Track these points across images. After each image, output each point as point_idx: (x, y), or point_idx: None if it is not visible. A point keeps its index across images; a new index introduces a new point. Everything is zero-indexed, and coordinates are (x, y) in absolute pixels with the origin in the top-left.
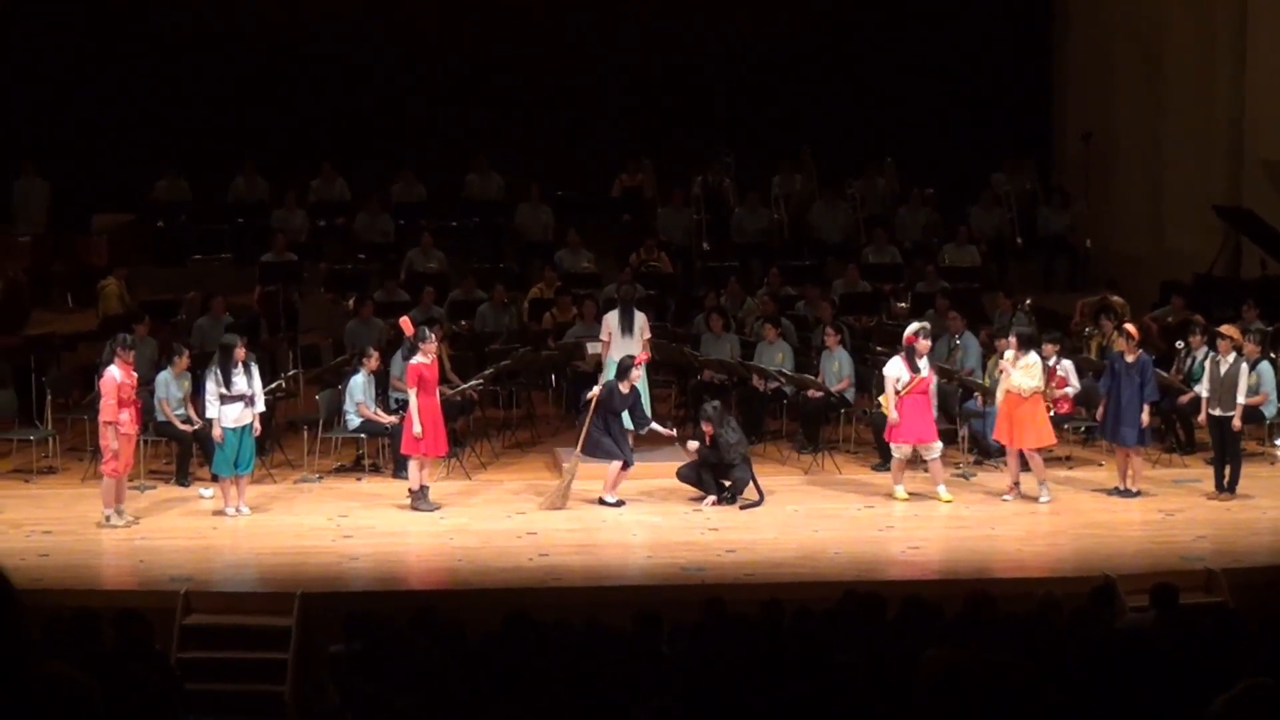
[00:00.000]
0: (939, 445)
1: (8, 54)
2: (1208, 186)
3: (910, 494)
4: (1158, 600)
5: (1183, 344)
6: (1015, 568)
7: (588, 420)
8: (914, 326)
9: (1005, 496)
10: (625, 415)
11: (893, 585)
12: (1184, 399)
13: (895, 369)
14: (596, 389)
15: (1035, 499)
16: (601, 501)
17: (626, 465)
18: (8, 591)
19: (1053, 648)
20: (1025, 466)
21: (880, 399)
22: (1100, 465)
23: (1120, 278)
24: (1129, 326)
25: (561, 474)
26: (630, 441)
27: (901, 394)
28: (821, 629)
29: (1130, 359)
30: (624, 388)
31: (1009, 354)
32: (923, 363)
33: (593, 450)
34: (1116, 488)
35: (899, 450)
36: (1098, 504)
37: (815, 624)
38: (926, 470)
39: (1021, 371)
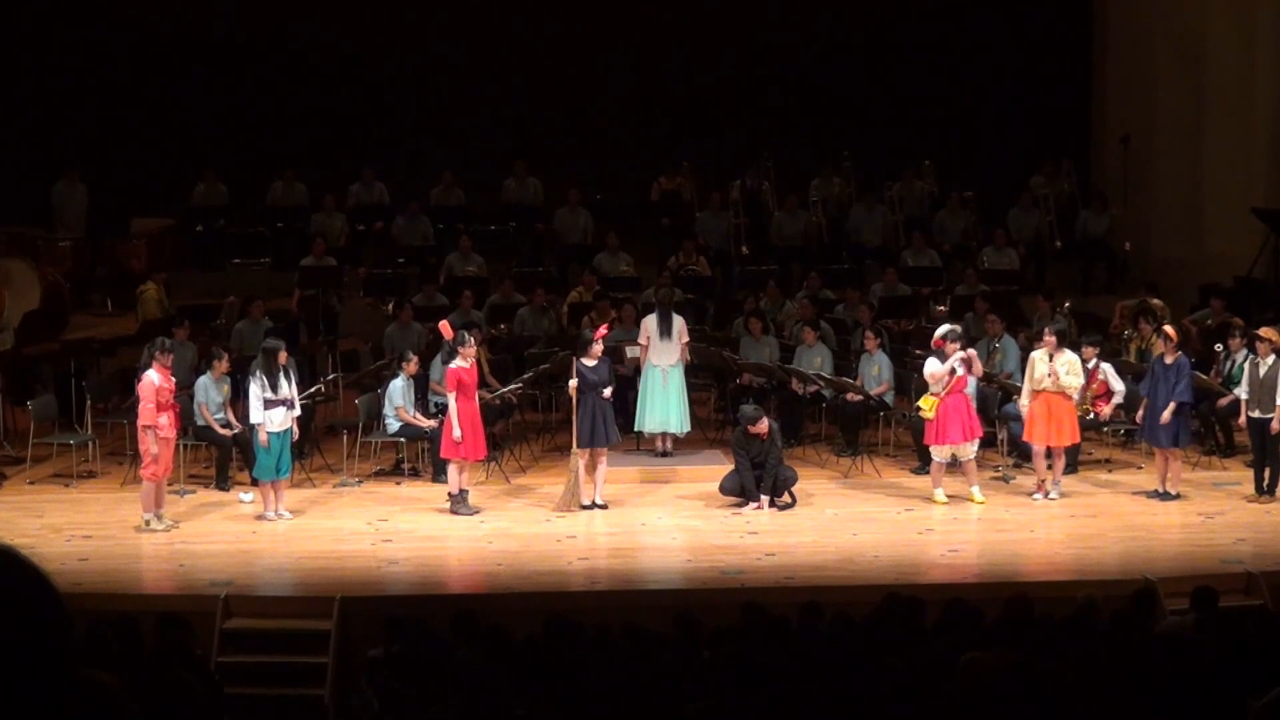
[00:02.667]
0: (974, 446)
1: (46, 59)
2: (1247, 189)
3: (950, 497)
4: (1197, 603)
5: (1222, 347)
6: (1054, 571)
7: (574, 411)
8: (943, 330)
9: (1035, 495)
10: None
11: (932, 589)
12: (1223, 402)
13: (935, 365)
14: (573, 382)
15: (1060, 496)
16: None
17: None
18: (54, 597)
19: (1092, 651)
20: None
21: (920, 402)
22: (1140, 468)
23: (1159, 281)
24: (1168, 328)
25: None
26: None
27: (943, 395)
28: (860, 632)
29: (1169, 361)
30: (589, 361)
31: (1041, 352)
32: (955, 362)
33: (586, 440)
34: (1156, 490)
35: (939, 454)
36: (1137, 507)
37: (854, 627)
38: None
39: (1065, 369)
